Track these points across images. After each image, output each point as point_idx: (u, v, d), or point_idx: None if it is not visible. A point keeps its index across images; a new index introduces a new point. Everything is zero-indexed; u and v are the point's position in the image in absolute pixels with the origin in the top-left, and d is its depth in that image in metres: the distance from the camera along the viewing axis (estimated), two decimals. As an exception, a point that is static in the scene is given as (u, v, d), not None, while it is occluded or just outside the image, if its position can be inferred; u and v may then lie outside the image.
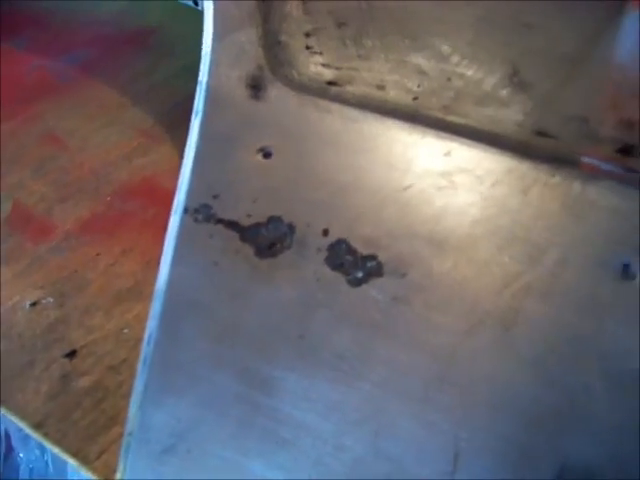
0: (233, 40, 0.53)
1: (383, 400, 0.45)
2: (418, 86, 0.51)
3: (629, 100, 0.49)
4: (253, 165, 0.50)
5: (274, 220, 0.49)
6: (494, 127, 0.49)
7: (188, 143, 0.52)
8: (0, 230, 0.82)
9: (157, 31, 1.13)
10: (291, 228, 0.48)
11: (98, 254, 0.79)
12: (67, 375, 0.67)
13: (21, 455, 0.82)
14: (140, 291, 0.74)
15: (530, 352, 0.44)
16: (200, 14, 0.55)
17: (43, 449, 0.77)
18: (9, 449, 0.84)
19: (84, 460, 0.60)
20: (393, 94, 0.51)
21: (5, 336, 0.71)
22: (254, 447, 0.46)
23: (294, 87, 0.52)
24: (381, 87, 0.51)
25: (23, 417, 0.64)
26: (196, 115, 0.52)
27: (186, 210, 0.50)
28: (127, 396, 0.49)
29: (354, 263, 0.47)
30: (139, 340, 0.50)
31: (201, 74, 0.53)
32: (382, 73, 0.52)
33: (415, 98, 0.51)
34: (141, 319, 0.69)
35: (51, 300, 0.74)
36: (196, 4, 0.85)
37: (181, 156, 0.51)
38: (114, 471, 0.49)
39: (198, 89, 0.52)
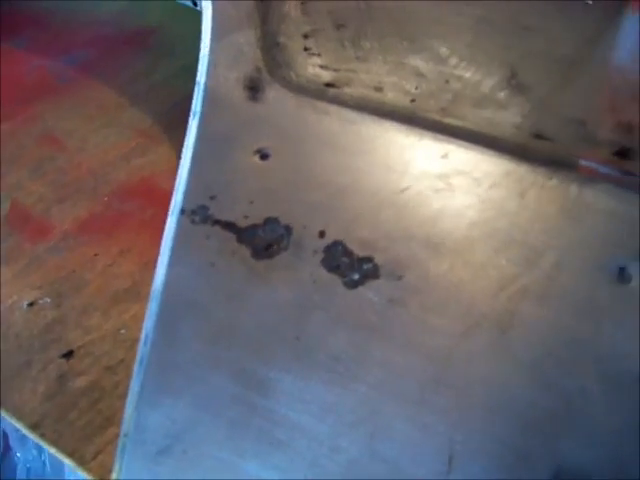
0: (231, 41, 0.53)
1: (379, 402, 0.45)
2: (416, 88, 0.51)
3: (627, 103, 0.49)
4: (250, 166, 0.50)
5: (271, 221, 0.49)
6: (492, 129, 0.49)
7: (186, 144, 0.52)
8: (-1, 230, 0.83)
9: (156, 31, 1.13)
10: (288, 230, 0.48)
11: (96, 254, 0.79)
12: (64, 375, 0.67)
13: (18, 455, 0.82)
14: (138, 292, 0.74)
15: (526, 355, 0.44)
16: (199, 14, 0.55)
17: (40, 449, 0.77)
18: (7, 449, 0.84)
19: (80, 460, 0.60)
20: (391, 96, 0.51)
21: (2, 336, 0.71)
22: (250, 448, 0.46)
23: (292, 89, 0.52)
24: (379, 89, 0.51)
25: (20, 417, 0.64)
26: (194, 116, 0.52)
27: (183, 211, 0.50)
28: (124, 396, 0.49)
29: (350, 265, 0.47)
30: (136, 340, 0.50)
31: (199, 75, 0.53)
32: (380, 75, 0.52)
33: (413, 100, 0.51)
34: (138, 319, 0.69)
35: (48, 300, 0.74)
36: (195, 4, 0.85)
37: (179, 156, 0.51)
38: (110, 471, 0.49)
39: (196, 90, 0.52)
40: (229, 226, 0.49)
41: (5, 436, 0.84)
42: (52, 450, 0.61)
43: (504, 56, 0.51)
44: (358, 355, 0.46)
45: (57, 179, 0.88)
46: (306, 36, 0.54)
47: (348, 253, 0.47)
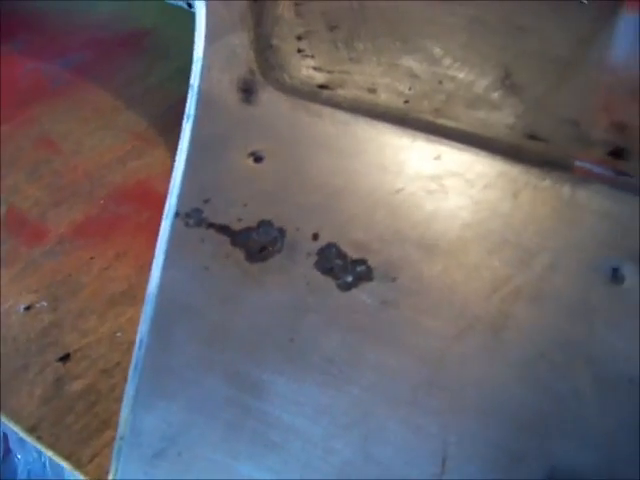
0: (225, 44, 0.53)
1: (372, 404, 0.45)
2: (409, 89, 0.51)
3: (621, 103, 0.49)
4: (244, 169, 0.50)
5: (265, 224, 0.49)
6: (485, 130, 0.49)
7: (179, 147, 0.52)
8: (-4, 234, 0.83)
9: (151, 33, 1.13)
10: (281, 232, 0.49)
11: (92, 258, 0.79)
12: (61, 379, 0.67)
13: (19, 457, 0.82)
14: (134, 295, 0.74)
15: (519, 356, 0.44)
16: (194, 16, 0.55)
17: (41, 451, 0.77)
18: (7, 451, 0.84)
19: (77, 463, 0.61)
20: (384, 97, 0.51)
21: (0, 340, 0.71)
22: (244, 450, 0.46)
23: (285, 91, 0.52)
24: (372, 90, 0.52)
25: (17, 421, 0.64)
26: (188, 119, 0.52)
27: (177, 214, 0.50)
28: (120, 400, 0.49)
29: (344, 267, 0.47)
30: (132, 343, 0.50)
31: (193, 78, 0.53)
32: (373, 76, 0.52)
33: (406, 101, 0.51)
34: (134, 323, 0.69)
35: (45, 304, 0.74)
36: (190, 6, 0.85)
37: (175, 159, 0.52)
38: (107, 474, 0.49)
39: (190, 93, 0.53)
40: (223, 229, 0.49)
41: (5, 438, 0.84)
42: (49, 453, 0.61)
43: (498, 56, 0.51)
44: (352, 357, 0.46)
45: (53, 182, 0.88)
46: (299, 38, 0.54)
47: (342, 255, 0.47)
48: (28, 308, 0.74)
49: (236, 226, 0.49)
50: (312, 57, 0.53)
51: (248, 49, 0.53)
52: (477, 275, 0.46)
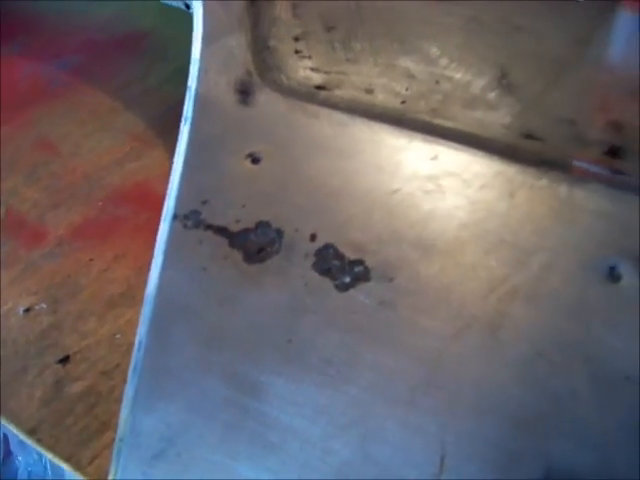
0: (222, 45, 0.53)
1: (370, 404, 0.45)
2: (406, 89, 0.51)
3: (617, 102, 0.49)
4: (242, 170, 0.51)
5: (262, 225, 0.49)
6: (482, 130, 0.49)
7: (177, 149, 0.52)
8: (-5, 237, 0.83)
9: (149, 35, 1.13)
10: (279, 233, 0.49)
11: (91, 259, 0.79)
12: (60, 381, 0.67)
13: (19, 458, 0.83)
14: (133, 296, 0.74)
15: (517, 356, 0.44)
16: (192, 17, 0.55)
17: (41, 453, 0.77)
18: (7, 452, 0.84)
19: (77, 465, 0.61)
20: (381, 98, 0.51)
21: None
22: (243, 451, 0.46)
23: (283, 92, 0.52)
24: (369, 91, 0.52)
25: (17, 423, 0.64)
26: (185, 121, 0.52)
27: (175, 216, 0.50)
28: (120, 401, 0.50)
29: (341, 268, 0.47)
30: (132, 345, 0.50)
31: (190, 80, 0.53)
32: (371, 77, 0.52)
33: (403, 102, 0.51)
34: (134, 324, 0.69)
35: (44, 306, 0.74)
36: (187, 7, 0.85)
37: (173, 161, 0.52)
38: (107, 475, 0.49)
39: (187, 95, 0.53)
40: (221, 231, 0.50)
41: (6, 440, 0.84)
42: (49, 455, 0.62)
43: (495, 56, 0.51)
44: (350, 357, 0.46)
45: (51, 184, 0.88)
46: (297, 39, 0.54)
47: (339, 256, 0.48)
48: (27, 310, 0.74)
49: (234, 227, 0.49)
50: (309, 58, 0.53)
51: (245, 50, 0.53)
52: (474, 275, 0.46)
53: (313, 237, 0.48)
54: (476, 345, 0.44)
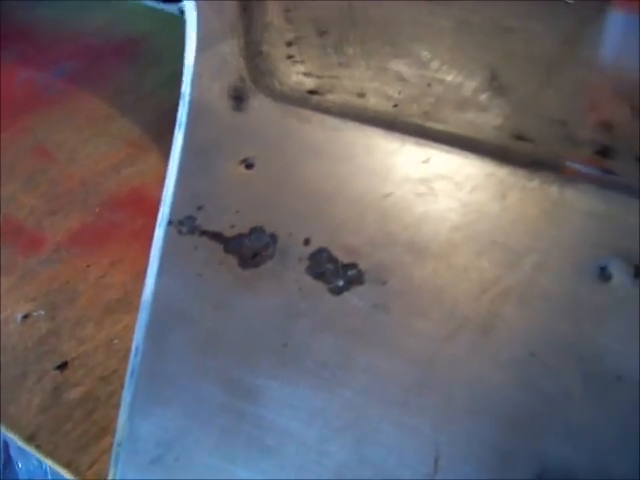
0: (215, 52, 0.53)
1: (365, 406, 0.45)
2: (399, 93, 0.52)
3: (607, 102, 0.49)
4: (236, 176, 0.51)
5: (257, 230, 0.49)
6: (473, 132, 0.50)
7: (172, 155, 0.52)
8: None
9: (143, 41, 1.13)
10: (273, 238, 0.49)
11: (88, 266, 0.79)
12: (59, 387, 0.68)
13: (20, 465, 0.83)
14: (130, 302, 0.75)
15: (509, 356, 0.44)
16: (185, 23, 0.56)
17: (41, 459, 0.78)
18: (8, 459, 0.84)
19: (76, 471, 0.61)
20: (373, 101, 0.52)
21: (-1, 349, 0.72)
22: (240, 454, 0.47)
23: (276, 97, 0.52)
24: (361, 95, 0.52)
25: (16, 430, 0.64)
26: (179, 127, 0.53)
27: (170, 222, 0.51)
28: (118, 406, 0.50)
29: (335, 272, 0.48)
30: (129, 351, 0.50)
31: (184, 86, 0.53)
32: (363, 81, 0.52)
33: (395, 105, 0.51)
34: (131, 330, 0.68)
35: (42, 312, 0.74)
36: (182, 13, 0.85)
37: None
38: (106, 480, 0.50)
39: (181, 101, 0.53)
40: (216, 236, 0.50)
41: (6, 446, 0.84)
42: (49, 462, 0.62)
43: (485, 58, 0.52)
44: (344, 360, 0.46)
45: (49, 191, 0.89)
46: (289, 44, 0.54)
47: (333, 260, 0.48)
48: (26, 317, 0.74)
49: (229, 233, 0.50)
50: (302, 63, 0.53)
51: (238, 56, 0.53)
52: (466, 277, 0.46)
53: (307, 241, 0.49)
54: (469, 346, 0.45)
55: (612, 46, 0.51)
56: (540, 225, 0.46)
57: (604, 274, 0.45)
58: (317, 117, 0.51)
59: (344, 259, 0.48)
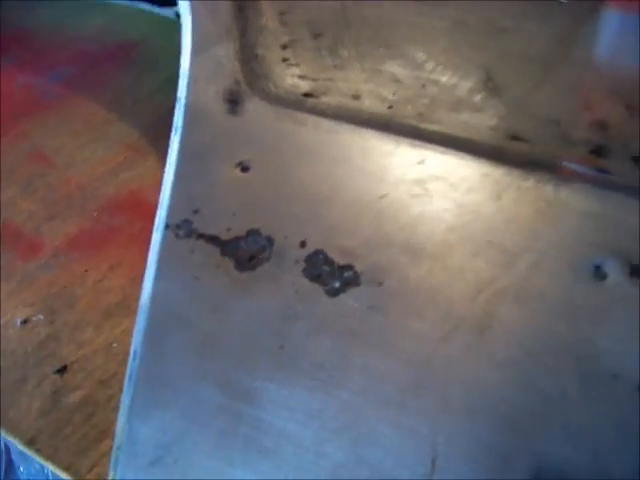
0: (211, 56, 0.53)
1: (361, 407, 0.45)
2: (393, 94, 0.52)
3: (602, 101, 0.49)
4: (232, 179, 0.51)
5: (253, 233, 0.50)
6: (468, 133, 0.50)
7: (168, 160, 0.52)
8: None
9: (140, 45, 1.13)
10: (270, 240, 0.49)
11: (86, 270, 0.79)
12: (58, 391, 0.68)
13: (21, 469, 0.83)
14: (128, 305, 0.75)
15: (505, 356, 0.44)
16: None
17: (42, 463, 0.78)
18: (9, 463, 0.84)
19: (76, 474, 0.61)
20: (368, 103, 0.52)
21: (-1, 354, 0.72)
22: (238, 456, 0.47)
23: (271, 100, 0.52)
24: (357, 97, 0.52)
25: (16, 434, 0.65)
26: (175, 131, 0.53)
27: (168, 226, 0.51)
28: (117, 409, 0.50)
29: (331, 273, 0.48)
30: (128, 354, 0.51)
31: (180, 90, 0.53)
32: (358, 83, 0.52)
33: (390, 107, 0.51)
34: (130, 333, 0.69)
35: (41, 317, 0.75)
36: (179, 17, 0.86)
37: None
38: (106, 483, 0.50)
39: (177, 105, 0.53)
40: (212, 239, 0.50)
41: (7, 450, 0.84)
42: (50, 466, 0.62)
43: (480, 59, 0.52)
44: (341, 362, 0.46)
45: (47, 196, 0.89)
46: (284, 47, 0.54)
47: (329, 262, 0.48)
48: (25, 322, 0.75)
49: (225, 236, 0.50)
50: (297, 65, 0.54)
51: (233, 60, 0.53)
52: (462, 277, 0.46)
53: (303, 244, 0.49)
54: (465, 346, 0.45)
55: (607, 45, 0.51)
56: (535, 225, 0.46)
57: (599, 273, 0.45)
58: (312, 120, 0.51)
59: (340, 261, 0.48)
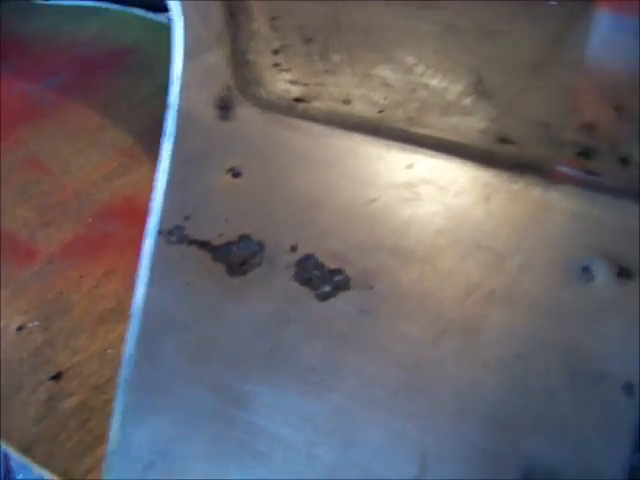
0: (202, 61, 0.54)
1: (353, 410, 0.46)
2: (384, 99, 0.52)
3: (591, 103, 0.50)
4: (223, 185, 0.51)
5: (244, 238, 0.50)
6: (458, 136, 0.50)
7: (160, 166, 0.53)
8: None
9: (135, 51, 1.13)
10: (261, 245, 0.50)
11: (81, 276, 0.79)
12: (53, 397, 0.68)
13: (21, 477, 0.83)
14: (123, 311, 0.75)
15: (494, 358, 0.45)
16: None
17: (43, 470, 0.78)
18: (8, 471, 0.85)
19: (71, 480, 0.61)
20: (359, 108, 0.52)
21: (-6, 361, 0.72)
22: (231, 461, 0.47)
23: (262, 106, 0.53)
24: (347, 101, 0.52)
25: (11, 441, 0.65)
26: (167, 137, 0.53)
27: (160, 232, 0.51)
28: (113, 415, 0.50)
29: (322, 278, 0.48)
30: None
31: (171, 96, 0.54)
32: (348, 87, 0.53)
33: (380, 111, 0.52)
34: (124, 339, 0.70)
35: (37, 324, 0.75)
36: (172, 23, 0.86)
37: (157, 176, 0.53)
38: (101, 489, 0.50)
39: (169, 112, 0.53)
40: (204, 245, 0.50)
41: (6, 458, 0.84)
42: (43, 472, 0.62)
43: (470, 62, 0.52)
44: (332, 365, 0.47)
45: (42, 203, 0.89)
46: (276, 52, 0.55)
47: (319, 266, 0.48)
48: (20, 328, 0.75)
49: (217, 241, 0.50)
50: (288, 71, 0.54)
51: (225, 66, 0.53)
52: (452, 280, 0.47)
53: (293, 248, 0.49)
54: (455, 349, 0.45)
55: (597, 47, 0.51)
56: (524, 227, 0.47)
57: (587, 274, 0.45)
58: (303, 125, 0.52)
59: (330, 265, 0.48)
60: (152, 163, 0.93)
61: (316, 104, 0.53)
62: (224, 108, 0.53)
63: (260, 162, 0.51)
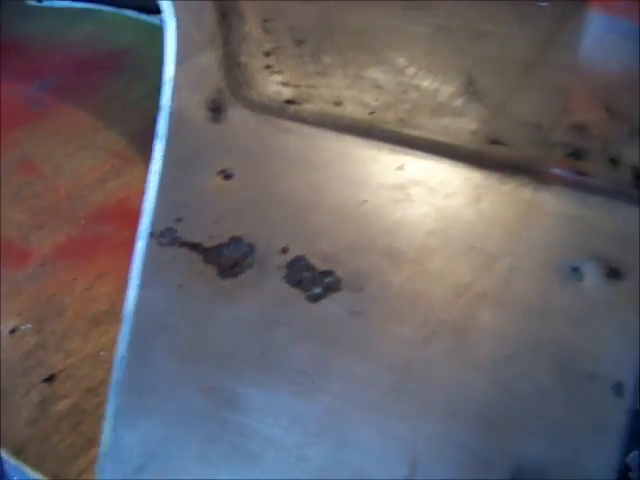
0: (194, 64, 0.54)
1: (343, 411, 0.46)
2: (375, 100, 0.52)
3: (582, 104, 0.50)
4: (214, 187, 0.51)
5: (235, 240, 0.50)
6: (449, 138, 0.50)
7: (152, 168, 0.53)
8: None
9: (128, 52, 1.13)
10: (251, 247, 0.50)
11: (74, 279, 0.80)
12: (46, 399, 0.68)
13: (15, 479, 0.83)
14: (116, 313, 0.75)
15: (484, 358, 0.45)
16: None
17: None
18: (2, 474, 0.84)
19: (64, 482, 0.61)
20: (350, 110, 0.52)
21: (-13, 364, 0.72)
22: (223, 462, 0.47)
23: (254, 108, 0.53)
24: (338, 103, 0.52)
25: (4, 443, 0.65)
26: (159, 139, 0.53)
27: (151, 234, 0.51)
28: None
29: (312, 279, 0.48)
30: (116, 362, 0.51)
31: (163, 99, 0.54)
32: (340, 89, 0.53)
33: (372, 113, 0.52)
34: (117, 341, 0.70)
35: (30, 326, 0.75)
36: (165, 25, 0.86)
37: (150, 178, 0.53)
38: (93, 491, 0.50)
39: (161, 114, 0.53)
40: (195, 247, 0.50)
41: (1, 462, 0.84)
42: (35, 473, 0.62)
43: (462, 63, 0.52)
44: (322, 367, 0.47)
45: (35, 205, 0.89)
46: (267, 54, 0.55)
47: (310, 268, 0.48)
48: (13, 331, 0.75)
49: (208, 243, 0.50)
50: (280, 73, 0.54)
51: (217, 68, 0.53)
52: (442, 281, 0.47)
53: (284, 250, 0.49)
54: (445, 350, 0.45)
55: (588, 48, 0.51)
56: (514, 228, 0.47)
57: (577, 275, 0.45)
58: (295, 127, 0.52)
59: (321, 266, 0.48)
60: (145, 165, 0.92)
61: (307, 106, 0.53)
62: (216, 110, 0.53)
63: (251, 164, 0.51)
